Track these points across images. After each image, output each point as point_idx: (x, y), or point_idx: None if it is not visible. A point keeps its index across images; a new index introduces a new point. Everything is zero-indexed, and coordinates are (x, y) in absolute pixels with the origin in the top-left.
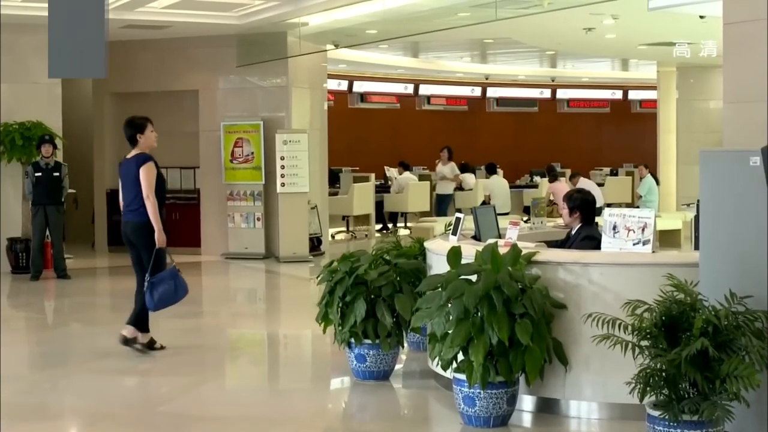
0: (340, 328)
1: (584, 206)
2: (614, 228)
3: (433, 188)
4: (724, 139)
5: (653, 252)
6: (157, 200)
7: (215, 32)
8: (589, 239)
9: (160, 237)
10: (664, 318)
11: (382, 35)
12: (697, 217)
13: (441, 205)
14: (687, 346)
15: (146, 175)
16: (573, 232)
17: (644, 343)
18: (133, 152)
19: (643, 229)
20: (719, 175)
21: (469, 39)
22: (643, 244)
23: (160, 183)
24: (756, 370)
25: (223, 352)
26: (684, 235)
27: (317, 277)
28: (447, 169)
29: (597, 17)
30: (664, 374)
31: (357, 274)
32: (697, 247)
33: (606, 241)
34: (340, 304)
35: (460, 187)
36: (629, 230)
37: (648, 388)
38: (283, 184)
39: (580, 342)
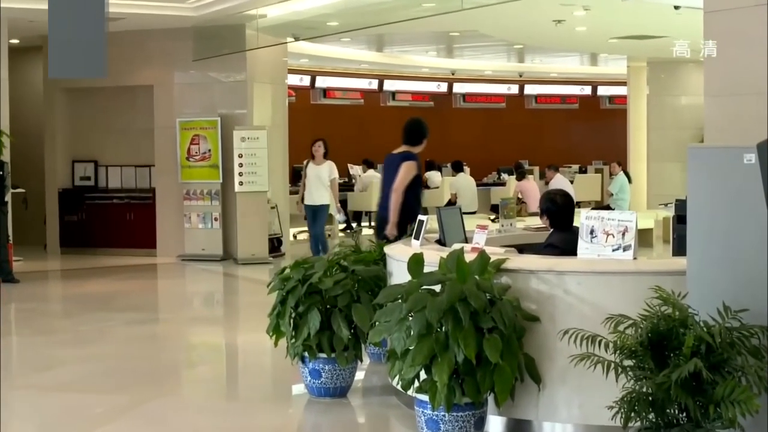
0: (292, 341)
1: (552, 211)
2: (592, 232)
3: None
4: (706, 135)
5: (635, 259)
6: (410, 200)
7: (170, 25)
8: (551, 248)
9: (391, 229)
10: (650, 335)
11: (344, 27)
12: (674, 218)
13: (315, 220)
14: (677, 367)
15: (405, 171)
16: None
17: (628, 362)
18: (402, 149)
19: (623, 234)
20: (709, 174)
21: (434, 32)
22: (624, 249)
23: (418, 184)
24: (754, 394)
25: (171, 364)
26: (656, 234)
27: (268, 285)
28: (324, 169)
29: (568, 8)
30: (650, 398)
31: (311, 283)
32: (676, 252)
33: (583, 246)
34: (293, 315)
35: (426, 186)
36: (608, 234)
37: (633, 414)
38: (241, 183)
39: (555, 358)
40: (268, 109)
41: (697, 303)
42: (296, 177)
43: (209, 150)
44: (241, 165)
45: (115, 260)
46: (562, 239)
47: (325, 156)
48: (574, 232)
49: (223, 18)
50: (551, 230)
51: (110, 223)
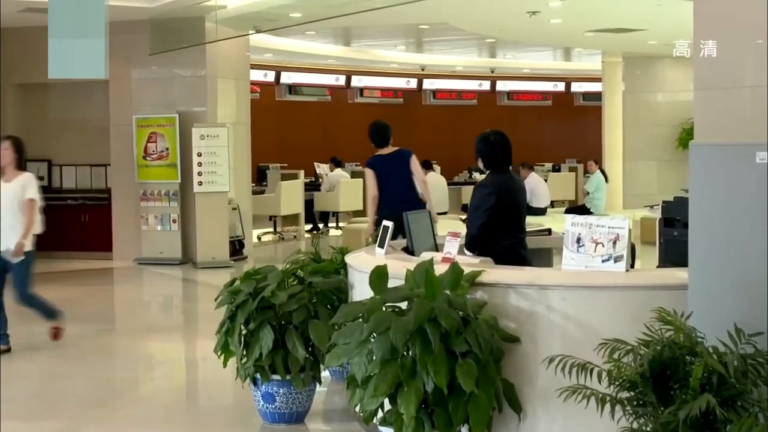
0: (243, 361)
1: (484, 152)
2: (578, 241)
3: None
4: (695, 130)
5: (627, 271)
6: None
7: (126, 17)
8: (482, 187)
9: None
10: (652, 364)
11: (307, 18)
12: (661, 221)
13: (12, 273)
14: (685, 403)
15: (418, 164)
16: None
17: (624, 395)
18: (391, 149)
19: (614, 242)
20: (715, 175)
21: (403, 24)
22: (615, 260)
23: None
24: None
25: (115, 383)
26: (634, 235)
27: (216, 300)
28: (15, 187)
29: None
30: None
31: (263, 297)
32: (663, 259)
33: (568, 257)
34: (243, 333)
35: None
36: (597, 243)
37: None
38: (200, 183)
39: (537, 382)
40: (231, 106)
41: (702, 324)
42: (261, 177)
43: (167, 148)
44: (200, 164)
45: (69, 264)
46: (495, 180)
47: (21, 165)
48: (511, 176)
49: (181, 9)
50: (487, 172)
51: (64, 225)
